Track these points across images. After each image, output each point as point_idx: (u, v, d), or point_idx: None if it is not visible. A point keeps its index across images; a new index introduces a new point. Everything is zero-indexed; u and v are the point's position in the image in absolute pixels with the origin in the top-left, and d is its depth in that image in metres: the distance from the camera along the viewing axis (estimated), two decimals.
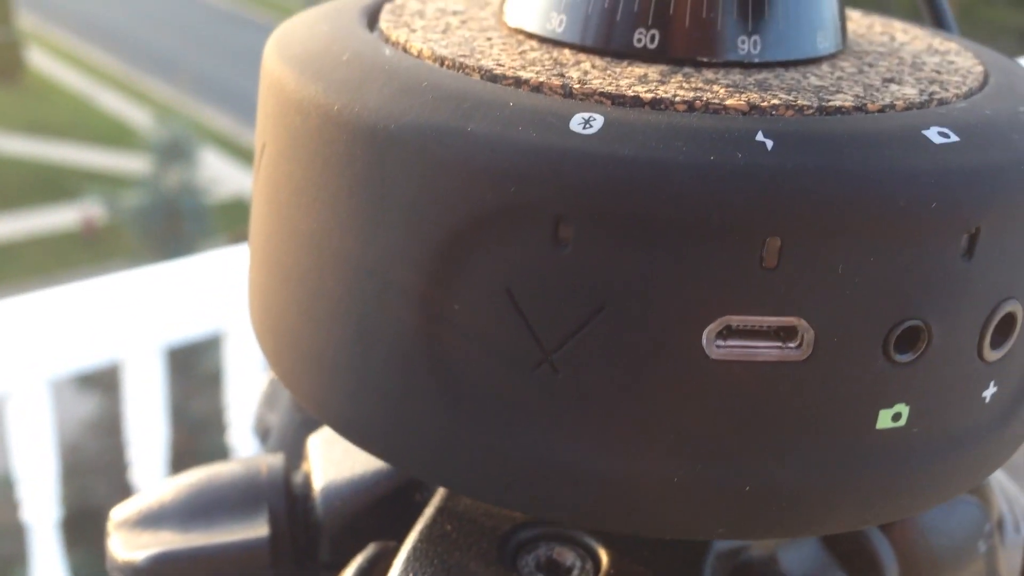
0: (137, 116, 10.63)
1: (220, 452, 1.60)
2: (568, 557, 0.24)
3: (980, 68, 0.24)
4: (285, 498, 0.27)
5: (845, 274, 0.18)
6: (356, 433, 0.22)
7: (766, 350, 0.19)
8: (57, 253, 7.79)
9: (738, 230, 0.18)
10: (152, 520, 0.26)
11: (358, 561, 0.26)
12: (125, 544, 0.26)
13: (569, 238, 0.18)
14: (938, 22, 0.30)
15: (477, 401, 0.20)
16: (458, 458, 0.20)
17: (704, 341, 0.19)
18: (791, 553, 0.26)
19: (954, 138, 0.19)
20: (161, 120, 6.34)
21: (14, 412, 1.12)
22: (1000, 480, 0.33)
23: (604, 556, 0.24)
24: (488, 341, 0.20)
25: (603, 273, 0.18)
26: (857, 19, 0.27)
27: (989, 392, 0.21)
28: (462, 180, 0.19)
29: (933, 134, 0.19)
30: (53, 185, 8.99)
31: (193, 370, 3.73)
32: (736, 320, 0.19)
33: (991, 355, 0.20)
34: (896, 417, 0.20)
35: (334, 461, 0.28)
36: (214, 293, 1.18)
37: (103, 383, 3.68)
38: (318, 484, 0.28)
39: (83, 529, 2.53)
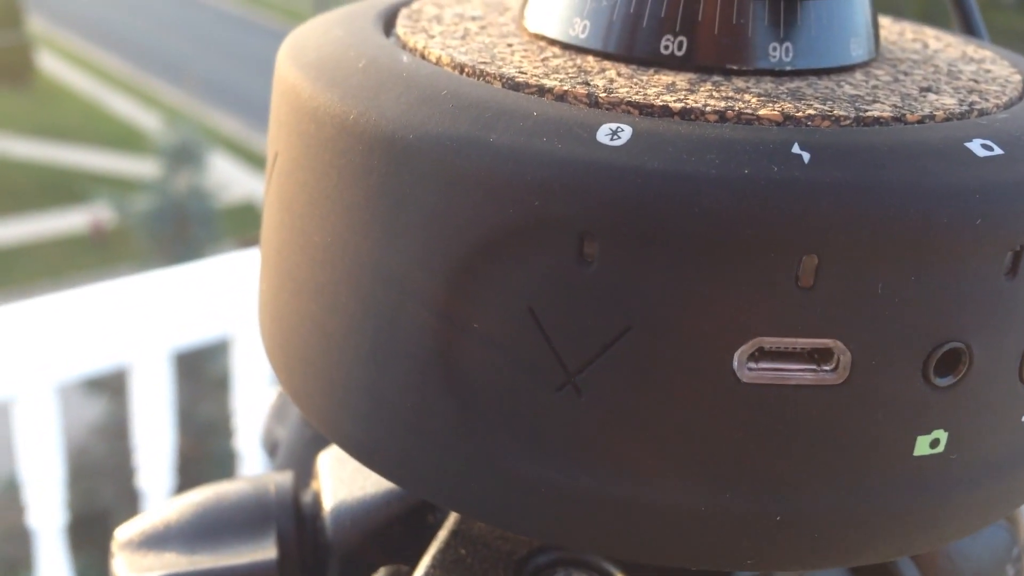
0: (146, 120, 10.66)
1: (227, 457, 1.60)
2: None
3: (1018, 77, 0.23)
4: (294, 519, 0.27)
5: (884, 294, 0.18)
6: (368, 455, 0.21)
7: (800, 373, 0.18)
8: (65, 256, 7.80)
9: (773, 248, 0.17)
10: (157, 541, 0.26)
11: None
12: (129, 566, 0.25)
13: (594, 255, 0.18)
14: (969, 28, 0.29)
15: (496, 423, 0.19)
16: (475, 483, 0.20)
17: (735, 364, 0.18)
18: None
19: (998, 151, 0.18)
20: (170, 124, 6.35)
21: (21, 416, 1.11)
22: None
23: None
24: (509, 361, 0.19)
25: (630, 292, 0.18)
26: (888, 25, 0.26)
27: None
28: (483, 193, 0.18)
29: (976, 146, 0.18)
30: (62, 188, 9.02)
31: (201, 375, 3.73)
32: (769, 342, 0.18)
33: None
34: (934, 443, 0.19)
35: (345, 480, 0.27)
36: (222, 298, 1.17)
37: (111, 387, 3.68)
38: (328, 504, 0.27)
39: (89, 533, 2.53)
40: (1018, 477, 0.21)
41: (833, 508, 0.19)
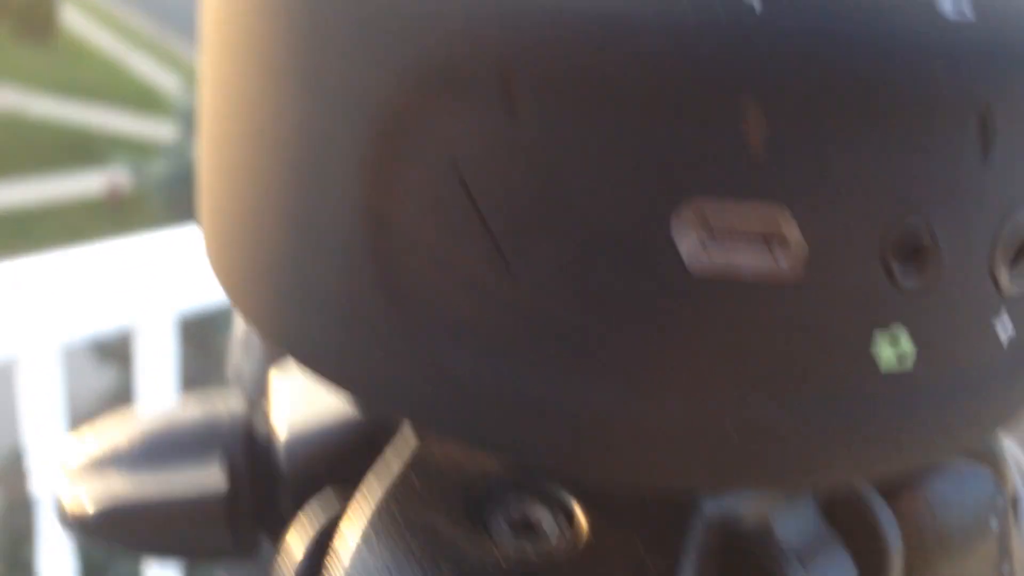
0: (167, 81, 10.68)
1: None
2: (542, 516, 0.23)
3: None
4: (245, 447, 0.26)
5: (835, 157, 0.16)
6: (304, 352, 0.20)
7: (752, 257, 0.17)
8: (82, 219, 7.85)
9: (716, 98, 0.16)
10: (104, 466, 0.25)
11: (317, 514, 0.24)
12: (73, 491, 0.25)
13: (519, 105, 0.16)
14: None
15: (427, 316, 0.18)
16: (409, 381, 0.19)
17: (677, 235, 0.17)
18: (787, 524, 0.25)
19: (969, 13, 0.17)
20: (190, 85, 6.34)
21: (25, 378, 1.11)
22: (1017, 457, 0.32)
23: (582, 518, 0.23)
24: (438, 233, 0.18)
25: (558, 149, 0.16)
26: None
27: (1003, 327, 0.19)
28: (398, 31, 0.17)
29: (946, 5, 0.17)
30: (80, 149, 9.06)
31: (209, 345, 3.74)
32: (711, 208, 0.16)
33: (1007, 282, 0.18)
34: (897, 347, 0.18)
35: (298, 406, 0.27)
36: None
37: (121, 355, 3.70)
38: (280, 432, 0.26)
39: None
40: (991, 391, 0.20)
41: (787, 419, 0.18)
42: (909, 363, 0.18)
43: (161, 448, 0.25)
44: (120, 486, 0.24)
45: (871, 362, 0.18)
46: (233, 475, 0.25)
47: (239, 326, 0.35)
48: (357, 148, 0.18)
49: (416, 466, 0.23)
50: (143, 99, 10.41)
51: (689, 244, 0.17)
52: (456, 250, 0.18)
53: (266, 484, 0.26)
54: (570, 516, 0.23)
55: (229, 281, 0.22)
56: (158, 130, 9.00)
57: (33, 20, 11.55)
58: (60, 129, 9.63)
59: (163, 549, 0.27)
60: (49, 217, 8.12)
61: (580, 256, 0.17)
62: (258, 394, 0.28)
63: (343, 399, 0.24)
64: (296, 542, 0.24)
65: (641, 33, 0.16)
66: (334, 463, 0.26)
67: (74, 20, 12.75)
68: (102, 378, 4.09)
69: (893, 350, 0.18)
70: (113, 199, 8.06)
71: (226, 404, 0.26)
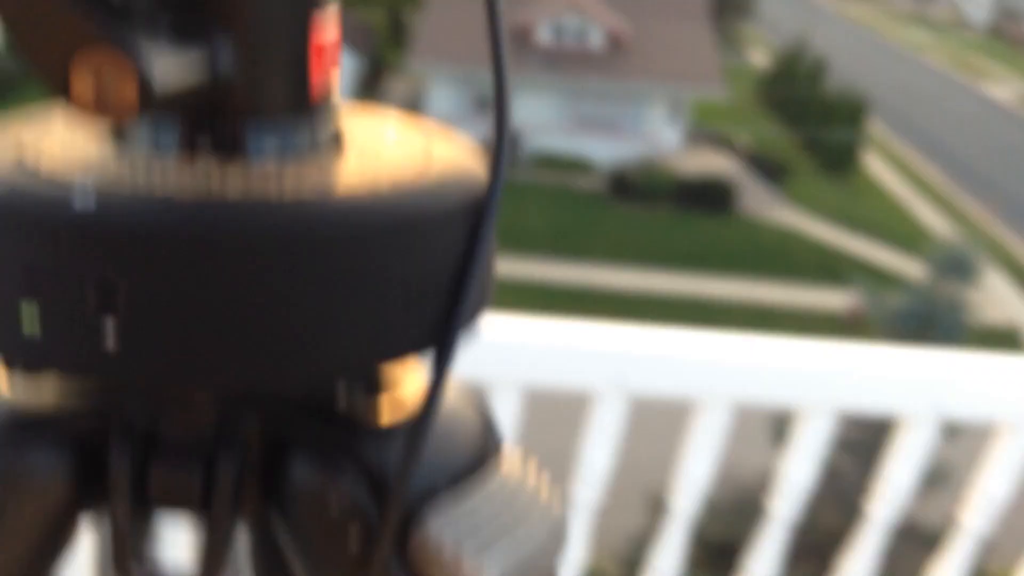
0: (940, 225, 11.05)
1: None
2: None
3: None
4: None
5: None
6: None
7: None
8: (817, 327, 8.28)
9: None
10: None
11: None
12: None
13: None
14: None
15: None
16: None
17: None
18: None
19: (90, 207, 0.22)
20: (953, 234, 6.11)
21: None
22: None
23: None
24: None
25: None
26: None
27: None
28: None
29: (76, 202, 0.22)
30: (830, 268, 9.49)
31: None
32: None
33: None
34: None
35: None
36: None
37: None
38: None
39: None
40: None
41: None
42: None
43: None
44: None
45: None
46: None
47: None
48: None
49: None
50: (911, 236, 10.73)
51: None
52: None
53: None
54: None
55: None
56: (904, 265, 9.43)
57: (840, 160, 12.49)
58: (826, 250, 10.28)
59: None
60: (786, 319, 8.69)
61: None
62: None
63: None
64: None
65: None
66: None
67: (874, 164, 13.50)
68: None
69: None
70: (850, 318, 8.47)
71: None
